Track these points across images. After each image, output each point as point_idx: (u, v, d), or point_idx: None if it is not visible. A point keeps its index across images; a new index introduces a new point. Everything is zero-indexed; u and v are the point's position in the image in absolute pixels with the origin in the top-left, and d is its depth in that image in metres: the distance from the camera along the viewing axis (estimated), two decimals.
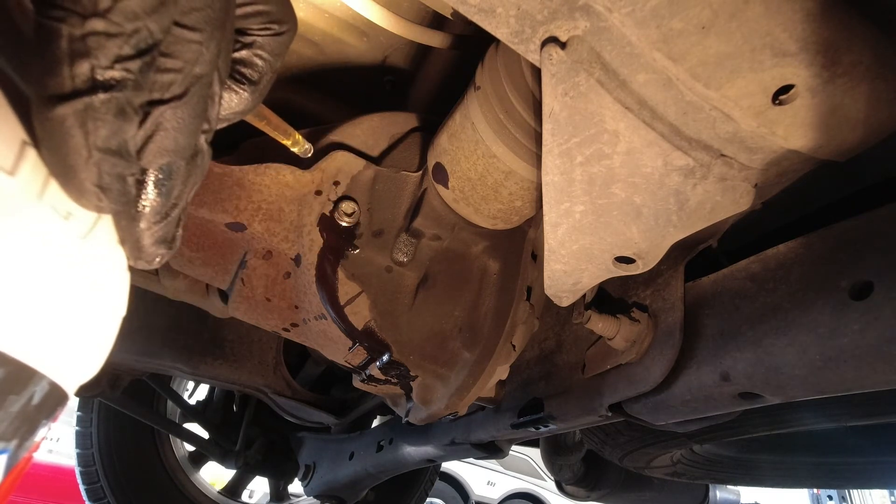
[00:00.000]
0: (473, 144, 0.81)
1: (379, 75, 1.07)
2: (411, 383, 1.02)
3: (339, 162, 0.91)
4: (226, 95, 0.47)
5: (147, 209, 0.42)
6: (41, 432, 0.41)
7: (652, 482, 2.24)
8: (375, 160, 0.94)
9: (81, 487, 2.27)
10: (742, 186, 0.64)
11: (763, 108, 0.57)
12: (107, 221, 0.44)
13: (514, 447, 1.54)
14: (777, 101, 0.56)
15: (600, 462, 2.17)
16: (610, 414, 0.98)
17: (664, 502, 2.39)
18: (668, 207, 0.66)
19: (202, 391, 2.60)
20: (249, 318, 1.03)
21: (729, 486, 2.41)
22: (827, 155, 0.62)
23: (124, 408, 2.10)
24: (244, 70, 0.47)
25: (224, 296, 1.07)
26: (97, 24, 0.34)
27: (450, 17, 0.88)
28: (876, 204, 0.70)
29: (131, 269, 0.47)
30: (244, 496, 2.78)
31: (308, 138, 0.79)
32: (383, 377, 1.01)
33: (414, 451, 1.63)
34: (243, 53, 0.47)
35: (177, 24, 0.37)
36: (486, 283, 1.00)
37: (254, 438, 2.39)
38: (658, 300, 0.93)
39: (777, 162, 0.63)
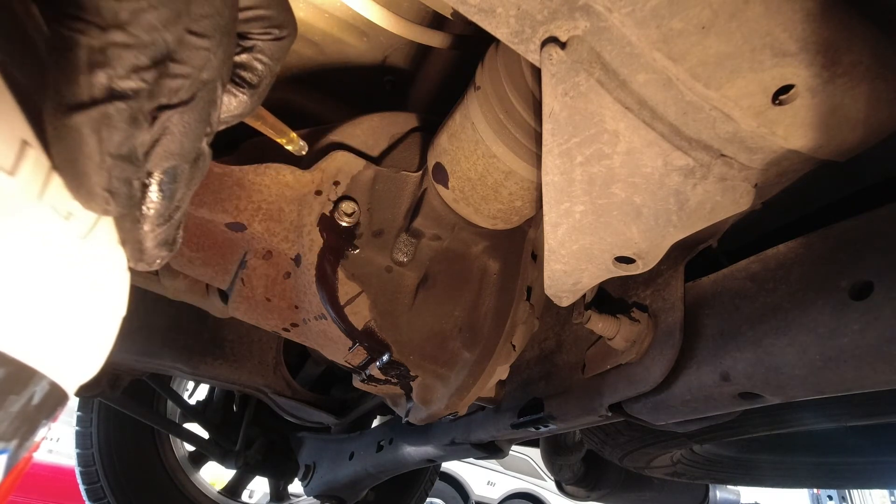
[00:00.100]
0: (473, 144, 0.81)
1: (379, 75, 1.07)
2: (411, 383, 1.02)
3: (339, 162, 0.91)
4: (225, 98, 0.47)
5: (151, 212, 0.42)
6: (41, 432, 0.41)
7: (652, 482, 2.24)
8: (375, 160, 0.94)
9: (81, 487, 2.27)
10: (742, 186, 0.64)
11: (763, 108, 0.57)
12: (107, 222, 0.44)
13: (514, 447, 1.54)
14: (777, 101, 0.56)
15: (600, 462, 2.17)
16: (610, 414, 0.98)
17: (664, 502, 2.39)
18: (668, 207, 0.66)
19: (202, 391, 2.60)
20: (249, 318, 1.03)
21: (729, 486, 2.41)
22: (827, 155, 0.62)
23: (124, 408, 2.10)
24: (244, 74, 0.47)
25: (224, 296, 1.07)
26: (116, 36, 0.35)
27: (450, 17, 0.88)
28: (876, 204, 0.70)
29: (131, 269, 0.48)
30: (244, 496, 2.78)
31: (308, 138, 0.79)
32: (383, 377, 1.01)
33: (414, 451, 1.63)
34: (244, 57, 0.47)
35: (187, 31, 0.38)
36: (486, 283, 1.00)
37: (254, 438, 2.39)
38: (658, 300, 0.93)
39: (777, 162, 0.63)
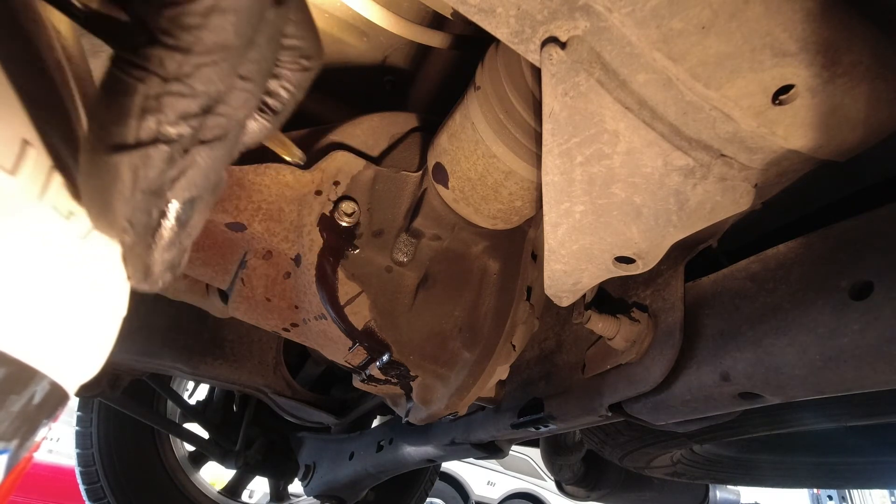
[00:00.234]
0: (473, 144, 0.81)
1: (379, 75, 1.07)
2: (411, 383, 1.02)
3: (339, 162, 0.91)
4: (248, 123, 0.47)
5: (164, 239, 0.42)
6: (42, 432, 0.41)
7: (652, 482, 2.24)
8: (375, 160, 0.94)
9: (81, 487, 2.27)
10: (742, 186, 0.64)
11: (763, 108, 0.57)
12: None
13: (514, 447, 1.54)
14: (777, 101, 0.56)
15: (600, 462, 2.17)
16: (610, 414, 0.98)
17: (664, 502, 2.39)
18: (668, 207, 0.66)
19: (202, 391, 2.60)
20: (249, 318, 1.03)
21: (729, 486, 2.41)
22: (827, 155, 0.62)
23: (124, 408, 2.10)
24: (269, 101, 0.47)
25: (224, 296, 1.06)
26: (175, 87, 0.35)
27: (450, 17, 0.88)
28: (876, 204, 0.70)
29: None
30: (244, 496, 2.78)
31: (308, 138, 0.79)
32: (383, 377, 1.01)
33: (414, 451, 1.63)
34: (271, 84, 0.47)
35: (238, 76, 0.38)
36: (486, 283, 1.00)
37: (254, 438, 2.39)
38: (658, 300, 0.93)
39: (777, 162, 0.63)
